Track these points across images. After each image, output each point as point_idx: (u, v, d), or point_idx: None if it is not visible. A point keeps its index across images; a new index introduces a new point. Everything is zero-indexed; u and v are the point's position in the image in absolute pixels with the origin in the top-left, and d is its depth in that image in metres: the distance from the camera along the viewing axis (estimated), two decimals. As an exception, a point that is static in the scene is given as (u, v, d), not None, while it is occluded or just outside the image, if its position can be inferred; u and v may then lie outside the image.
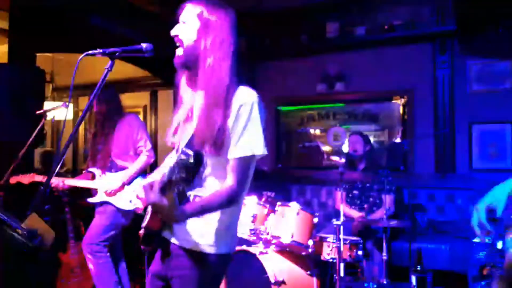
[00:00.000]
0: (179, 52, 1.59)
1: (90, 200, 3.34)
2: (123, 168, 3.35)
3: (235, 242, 1.68)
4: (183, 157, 1.53)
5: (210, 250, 1.56)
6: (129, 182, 3.32)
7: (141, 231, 1.58)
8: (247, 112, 1.51)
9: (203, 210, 1.51)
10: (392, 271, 3.59)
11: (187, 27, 1.58)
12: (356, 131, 4.55)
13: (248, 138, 1.51)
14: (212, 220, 1.56)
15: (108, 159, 3.34)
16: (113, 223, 3.29)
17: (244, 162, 1.52)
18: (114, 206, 3.28)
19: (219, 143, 1.50)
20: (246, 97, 1.53)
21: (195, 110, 1.59)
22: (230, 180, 1.52)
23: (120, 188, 3.28)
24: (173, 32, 1.61)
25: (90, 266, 3.25)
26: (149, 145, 3.40)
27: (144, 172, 3.41)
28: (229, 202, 1.52)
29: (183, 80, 1.66)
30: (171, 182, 1.40)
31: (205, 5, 1.59)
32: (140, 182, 3.18)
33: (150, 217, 1.57)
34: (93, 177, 3.37)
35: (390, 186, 3.91)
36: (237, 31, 1.60)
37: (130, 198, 3.29)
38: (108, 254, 3.28)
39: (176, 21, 1.64)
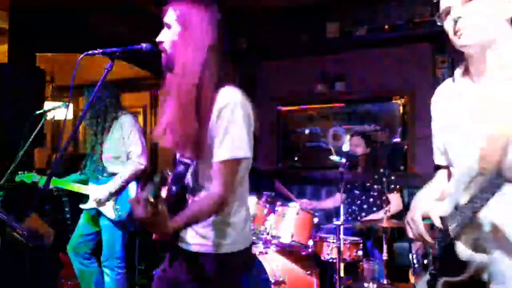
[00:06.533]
0: (164, 55, 1.56)
1: (82, 206, 3.22)
2: (114, 173, 3.17)
3: (246, 238, 1.62)
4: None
5: (217, 250, 1.54)
6: (117, 192, 3.13)
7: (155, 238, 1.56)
8: (228, 114, 1.46)
9: (193, 220, 1.47)
10: (392, 271, 3.58)
11: (170, 32, 1.55)
12: (357, 131, 4.51)
13: (231, 141, 1.46)
14: (212, 221, 1.54)
15: (98, 162, 3.21)
16: (119, 240, 3.19)
17: (229, 166, 1.47)
18: (107, 218, 3.15)
19: (197, 147, 1.48)
20: (227, 99, 1.48)
21: (168, 111, 1.55)
22: (216, 186, 1.47)
23: (107, 198, 3.13)
24: (158, 39, 1.58)
25: (106, 278, 3.20)
26: (139, 150, 3.13)
27: (136, 179, 3.18)
28: (218, 209, 1.48)
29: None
30: (159, 197, 1.27)
31: (184, 5, 1.54)
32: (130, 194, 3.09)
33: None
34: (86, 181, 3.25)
35: (394, 186, 3.90)
36: (226, 26, 1.57)
37: (116, 207, 3.14)
38: (124, 270, 3.23)
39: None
